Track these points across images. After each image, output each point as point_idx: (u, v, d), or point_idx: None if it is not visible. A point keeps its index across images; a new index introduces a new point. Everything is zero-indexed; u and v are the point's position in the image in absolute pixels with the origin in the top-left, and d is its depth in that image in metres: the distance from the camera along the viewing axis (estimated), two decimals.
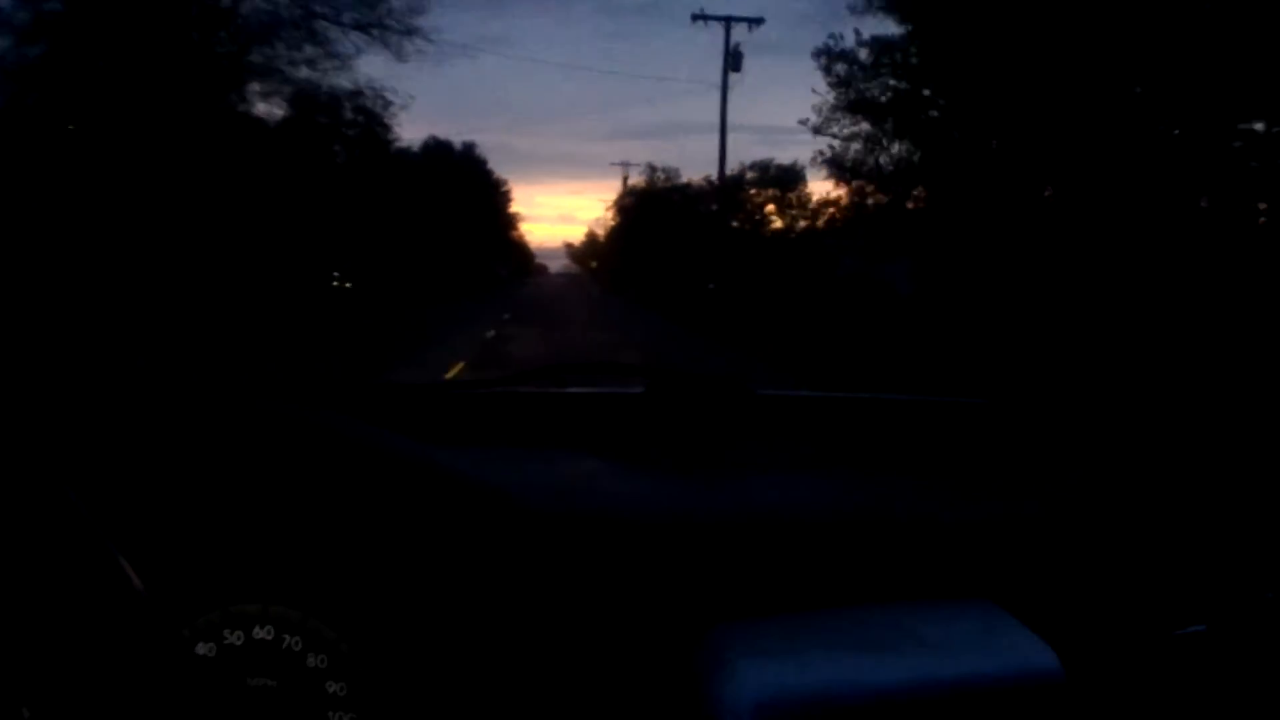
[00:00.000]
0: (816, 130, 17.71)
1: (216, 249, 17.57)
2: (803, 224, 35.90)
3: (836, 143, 17.65)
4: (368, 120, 26.60)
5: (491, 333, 16.90)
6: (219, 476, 0.67)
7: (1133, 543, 0.80)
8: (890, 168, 17.04)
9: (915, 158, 16.39)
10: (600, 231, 79.85)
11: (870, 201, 18.50)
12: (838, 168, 18.01)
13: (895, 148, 16.88)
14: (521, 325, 19.44)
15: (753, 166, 43.41)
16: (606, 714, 0.67)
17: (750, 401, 1.18)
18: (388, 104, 24.83)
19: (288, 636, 0.65)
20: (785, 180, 40.96)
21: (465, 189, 49.97)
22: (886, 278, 19.13)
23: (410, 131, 40.04)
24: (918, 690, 0.62)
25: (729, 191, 30.55)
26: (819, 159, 18.19)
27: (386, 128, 28.96)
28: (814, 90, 17.52)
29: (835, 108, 17.20)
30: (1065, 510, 0.85)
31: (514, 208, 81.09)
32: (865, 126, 17.09)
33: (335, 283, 28.64)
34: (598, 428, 1.17)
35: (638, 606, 0.69)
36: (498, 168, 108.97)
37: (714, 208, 32.95)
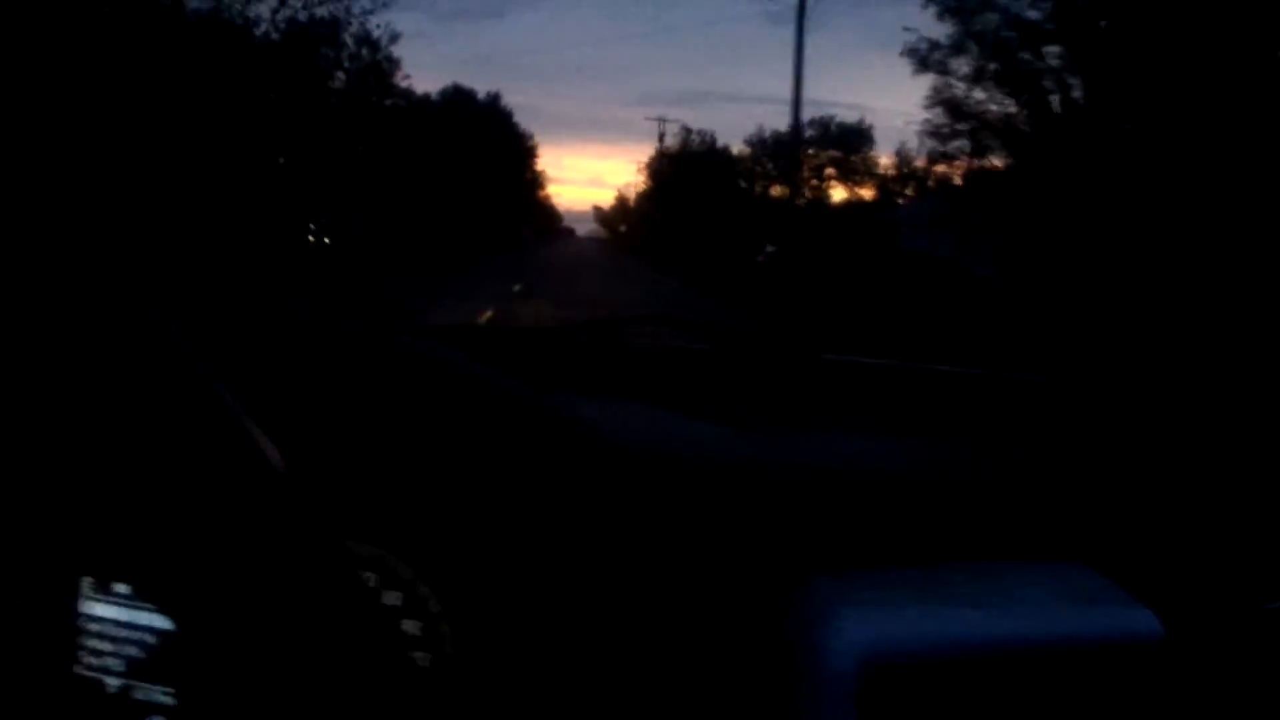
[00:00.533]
0: (924, 63, 14.31)
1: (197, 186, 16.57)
2: (868, 192, 32.12)
3: (944, 83, 14.39)
4: (371, 53, 24.12)
5: (491, 311, 13.61)
6: (330, 402, 0.65)
7: (1222, 515, 0.81)
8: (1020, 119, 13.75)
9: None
10: (630, 195, 76.29)
11: (962, 169, 15.24)
12: (954, 111, 14.56)
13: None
14: (533, 301, 16.24)
15: (811, 124, 38.92)
16: (699, 660, 0.66)
17: (816, 365, 1.19)
18: (394, 36, 23.27)
19: (364, 574, 0.64)
20: (849, 141, 36.47)
21: (488, 141, 46.15)
22: (963, 258, 16.66)
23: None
24: (1019, 645, 0.62)
25: (788, 149, 26.53)
26: (935, 98, 14.75)
27: (393, 62, 26.16)
28: (905, 28, 14.39)
29: (951, 44, 13.85)
30: (1153, 480, 0.86)
31: (542, 168, 77.43)
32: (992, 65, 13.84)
33: (311, 238, 24.72)
34: (668, 381, 1.16)
35: (733, 552, 0.69)
36: (526, 128, 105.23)
37: (766, 167, 29.66)
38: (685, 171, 48.00)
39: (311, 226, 25.15)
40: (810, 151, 37.68)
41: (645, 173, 59.48)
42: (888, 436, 0.99)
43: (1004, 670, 0.61)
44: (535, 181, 73.16)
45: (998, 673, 0.61)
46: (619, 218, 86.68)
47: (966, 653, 0.61)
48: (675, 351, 1.26)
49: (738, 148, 45.23)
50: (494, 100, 55.57)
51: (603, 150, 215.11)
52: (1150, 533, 0.76)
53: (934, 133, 15.81)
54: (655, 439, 0.77)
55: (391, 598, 0.64)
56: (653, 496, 0.68)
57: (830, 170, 37.94)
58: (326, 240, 25.62)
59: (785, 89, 53.12)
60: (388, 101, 28.02)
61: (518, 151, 58.49)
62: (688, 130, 52.93)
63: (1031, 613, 0.64)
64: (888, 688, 0.60)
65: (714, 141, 51.66)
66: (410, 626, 0.64)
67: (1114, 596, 0.67)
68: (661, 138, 53.94)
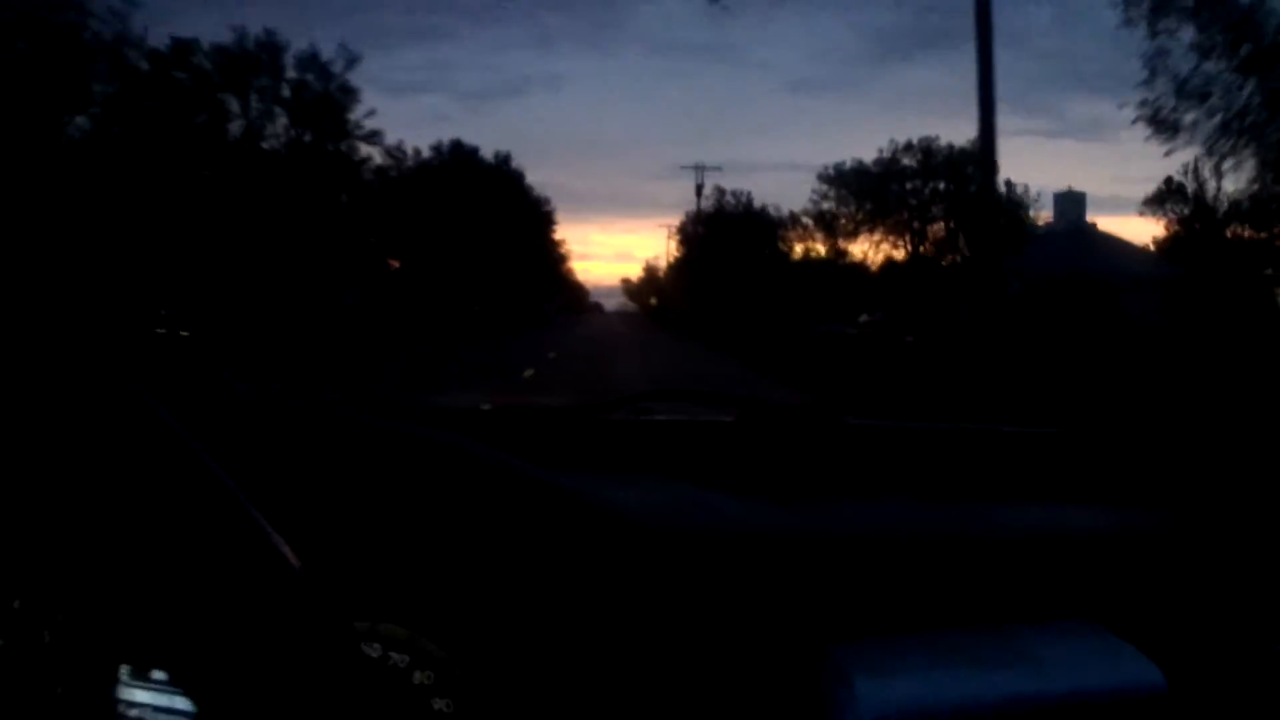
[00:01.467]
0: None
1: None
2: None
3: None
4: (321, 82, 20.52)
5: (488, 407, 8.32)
6: (346, 492, 0.67)
7: (1226, 560, 0.83)
8: None
9: None
10: (660, 266, 71.72)
11: None
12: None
13: None
14: (553, 393, 11.56)
15: (908, 149, 31.22)
16: None
17: (841, 431, 1.20)
18: (351, 60, 22.84)
19: (394, 655, 0.67)
20: (957, 167, 28.08)
21: (497, 206, 40.67)
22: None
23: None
24: (1029, 704, 0.65)
25: (877, 180, 20.58)
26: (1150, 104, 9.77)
27: (348, 93, 22.28)
28: None
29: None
30: (1158, 529, 0.87)
31: (569, 246, 72.71)
32: None
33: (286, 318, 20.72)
34: (690, 455, 1.18)
35: (752, 625, 0.70)
36: (541, 192, 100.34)
37: (808, 226, 24.59)
38: (724, 233, 43.12)
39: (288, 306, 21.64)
40: (909, 186, 30.62)
41: (677, 238, 54.88)
42: (902, 500, 1.00)
43: None
44: (555, 251, 66.63)
45: None
46: (648, 289, 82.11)
47: (976, 714, 0.64)
48: (698, 425, 1.25)
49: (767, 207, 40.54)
50: (503, 161, 48.80)
51: (629, 225, 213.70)
52: (1153, 584, 0.78)
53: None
54: (672, 513, 0.78)
55: (420, 676, 0.66)
56: (668, 571, 0.69)
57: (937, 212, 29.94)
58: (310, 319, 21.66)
59: (807, 155, 48.56)
60: (343, 145, 24.70)
61: (534, 218, 52.04)
62: (721, 191, 48.27)
63: (1040, 671, 0.67)
64: None
65: (750, 200, 46.94)
66: (440, 705, 0.66)
67: (1118, 651, 0.70)
68: (700, 190, 48.54)
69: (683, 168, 53.48)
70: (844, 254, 36.44)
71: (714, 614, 0.69)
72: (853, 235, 31.04)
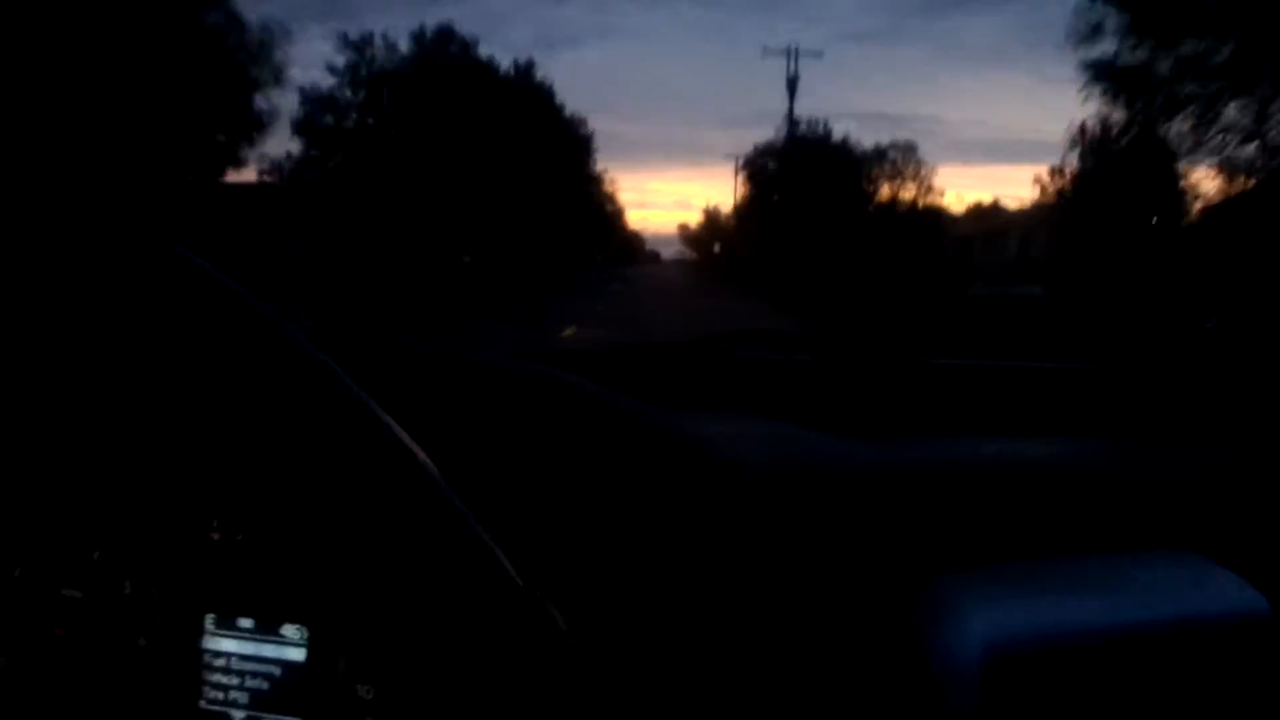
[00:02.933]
0: None
1: None
2: None
3: None
4: None
5: None
6: (471, 440, 0.64)
7: None
8: None
9: None
10: (726, 208, 63.35)
11: None
12: None
13: None
14: None
15: None
16: (830, 667, 0.68)
17: (922, 369, 1.20)
18: None
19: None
20: None
21: (509, 125, 30.88)
22: None
23: None
24: (1138, 630, 0.66)
25: None
26: None
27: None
28: None
29: None
30: (1258, 464, 0.86)
31: (619, 191, 63.73)
32: None
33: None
34: (773, 392, 1.17)
35: (857, 558, 0.70)
36: (607, 156, 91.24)
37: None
38: (803, 168, 34.77)
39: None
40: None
41: (744, 174, 46.50)
42: (993, 435, 0.99)
43: (1122, 654, 0.64)
44: (596, 188, 55.36)
45: (1116, 657, 0.64)
46: (709, 237, 73.81)
47: (1086, 639, 0.64)
48: (777, 364, 1.25)
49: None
50: (523, 71, 36.16)
51: (686, 174, 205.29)
52: (1256, 518, 0.79)
53: None
54: (770, 452, 0.78)
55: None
56: (775, 509, 0.70)
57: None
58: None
59: (868, 103, 39.54)
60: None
61: (569, 144, 40.20)
62: (794, 122, 39.59)
63: (1147, 598, 0.67)
64: (1012, 677, 0.63)
65: (829, 132, 38.37)
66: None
67: (1225, 580, 0.70)
68: (793, 87, 38.38)
69: (767, 50, 40.98)
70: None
71: (823, 551, 0.69)
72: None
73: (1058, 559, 0.72)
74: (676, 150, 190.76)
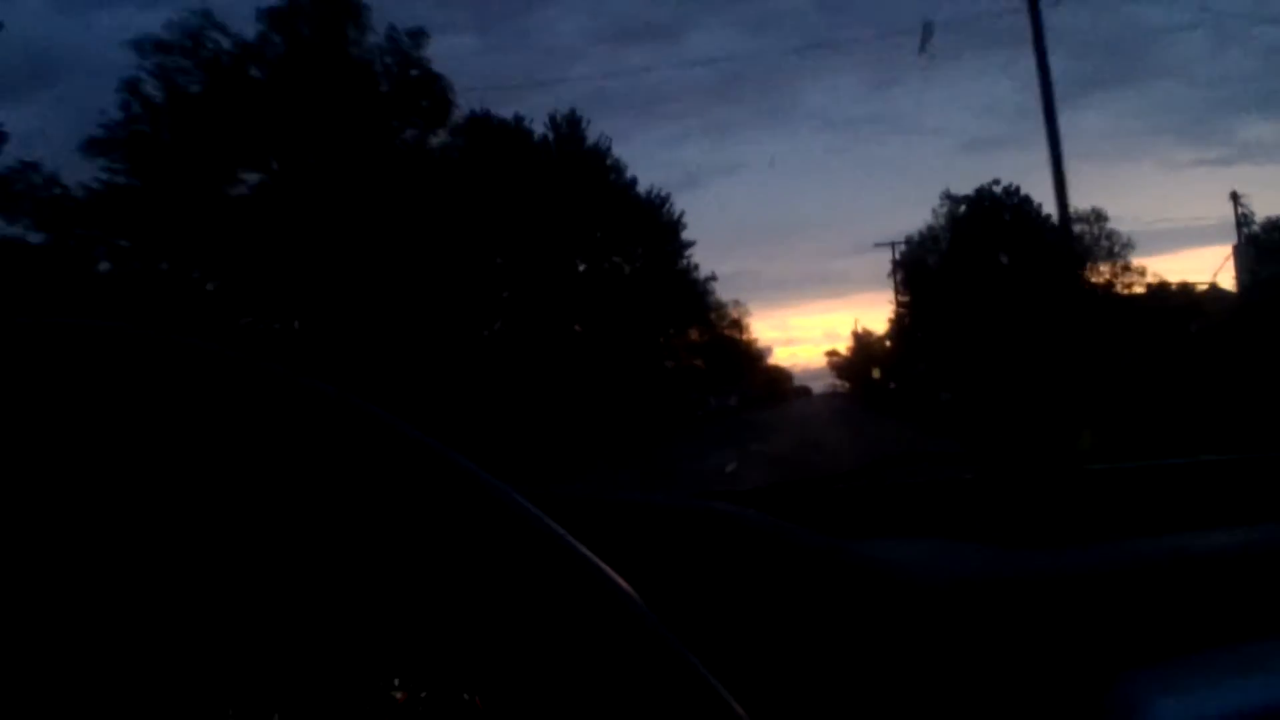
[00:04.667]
0: None
1: None
2: None
3: None
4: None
5: None
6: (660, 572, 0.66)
7: None
8: None
9: None
10: (880, 327, 52.90)
11: None
12: None
13: None
14: None
15: None
16: None
17: (1085, 477, 1.22)
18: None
19: None
20: None
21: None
22: None
23: None
24: None
25: None
26: None
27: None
28: None
29: None
30: None
31: (770, 333, 54.98)
32: None
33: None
34: (936, 514, 1.18)
35: (1041, 664, 0.72)
36: (747, 295, 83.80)
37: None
38: (992, 245, 24.71)
39: None
40: None
41: (899, 277, 36.40)
42: (1161, 533, 0.99)
43: None
44: (702, 305, 41.55)
45: None
46: (862, 362, 63.05)
47: (1268, 718, 0.65)
48: (940, 484, 1.27)
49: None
50: (573, 123, 29.09)
51: (828, 305, 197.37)
52: None
53: None
54: (943, 570, 0.80)
55: None
56: (956, 622, 0.71)
57: None
58: None
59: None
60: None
61: (666, 254, 32.26)
62: (955, 199, 29.88)
63: None
64: None
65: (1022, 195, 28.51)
66: None
67: None
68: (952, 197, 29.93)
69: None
70: None
71: (1007, 658, 0.70)
72: None
73: (1239, 644, 0.73)
74: (813, 283, 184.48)
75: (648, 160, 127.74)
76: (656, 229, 31.37)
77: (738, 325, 57.09)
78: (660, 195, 32.91)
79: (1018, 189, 28.86)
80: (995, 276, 24.76)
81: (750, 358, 71.47)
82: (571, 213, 25.93)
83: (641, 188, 31.17)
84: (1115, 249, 30.61)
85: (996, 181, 29.29)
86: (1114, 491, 1.19)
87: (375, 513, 0.44)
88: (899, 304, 37.65)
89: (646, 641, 0.45)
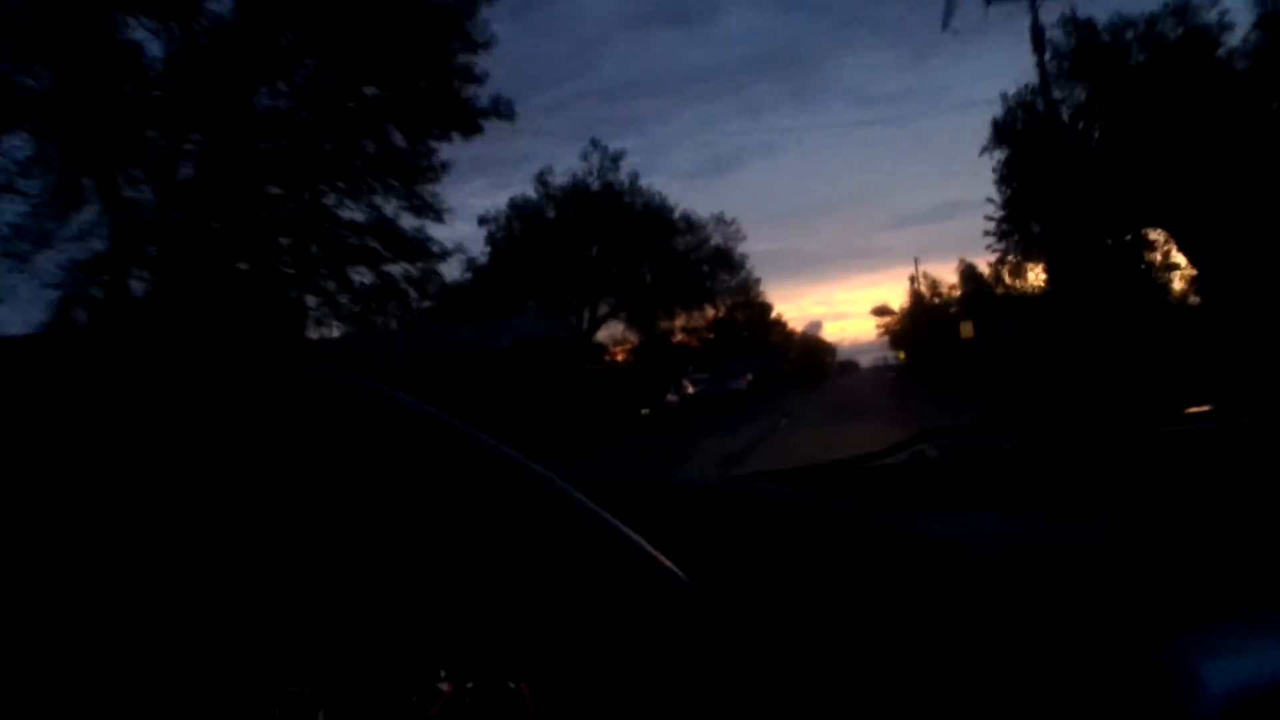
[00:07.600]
0: None
1: None
2: None
3: None
4: None
5: None
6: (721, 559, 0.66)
7: None
8: None
9: None
10: (947, 279, 42.55)
11: None
12: None
13: None
14: None
15: None
16: None
17: (1120, 443, 1.20)
18: None
19: None
20: None
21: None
22: None
23: None
24: None
25: None
26: None
27: None
28: None
29: None
30: None
31: (815, 308, 46.24)
32: None
33: None
34: (974, 485, 1.18)
35: (1084, 630, 0.72)
36: (786, 273, 75.92)
37: None
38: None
39: None
40: None
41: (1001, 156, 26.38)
42: (1202, 495, 1.00)
43: None
44: (691, 267, 40.09)
45: None
46: (916, 325, 52.72)
47: None
48: (980, 456, 1.24)
49: None
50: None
51: (870, 279, 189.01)
52: None
53: None
54: (984, 539, 0.81)
55: None
56: (1000, 589, 0.71)
57: None
58: None
59: None
60: None
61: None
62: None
63: None
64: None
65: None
66: None
67: None
68: (1039, 38, 18.56)
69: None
70: None
71: (1053, 624, 0.70)
72: None
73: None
74: (855, 257, 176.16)
75: (683, 143, 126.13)
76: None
77: (744, 292, 49.80)
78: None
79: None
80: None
81: (767, 329, 61.77)
82: None
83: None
84: None
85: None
86: (1149, 456, 1.18)
87: (437, 510, 0.46)
88: (1002, 201, 27.35)
89: (705, 629, 0.46)
